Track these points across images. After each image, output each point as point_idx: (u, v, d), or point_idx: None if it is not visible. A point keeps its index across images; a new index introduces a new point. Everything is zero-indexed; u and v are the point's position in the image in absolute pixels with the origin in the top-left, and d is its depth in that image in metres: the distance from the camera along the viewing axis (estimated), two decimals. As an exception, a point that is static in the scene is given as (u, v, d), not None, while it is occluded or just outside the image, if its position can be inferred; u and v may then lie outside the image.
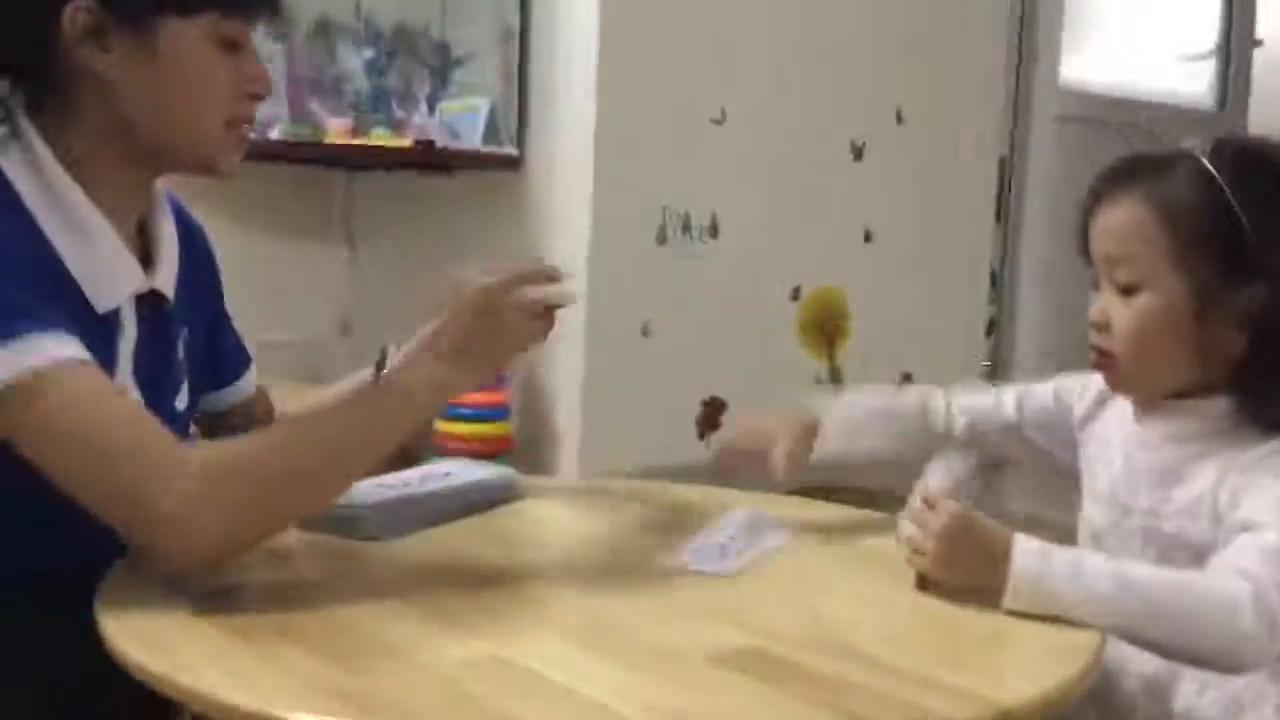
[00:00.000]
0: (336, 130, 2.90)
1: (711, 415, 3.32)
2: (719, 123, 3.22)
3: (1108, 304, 1.17)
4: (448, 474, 1.39)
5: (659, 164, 3.08)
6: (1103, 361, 1.19)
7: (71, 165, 1.04)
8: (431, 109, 3.08)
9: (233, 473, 0.99)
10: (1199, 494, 1.12)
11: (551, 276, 1.21)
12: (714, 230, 3.25)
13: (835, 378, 3.75)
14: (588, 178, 2.92)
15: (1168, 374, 1.15)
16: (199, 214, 2.92)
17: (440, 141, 2.94)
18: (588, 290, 2.94)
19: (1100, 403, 1.28)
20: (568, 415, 2.98)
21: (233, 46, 1.10)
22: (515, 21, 3.00)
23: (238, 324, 1.42)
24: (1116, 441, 1.23)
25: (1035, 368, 4.29)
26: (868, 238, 3.80)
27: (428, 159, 2.87)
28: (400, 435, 1.11)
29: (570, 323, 2.94)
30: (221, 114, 1.11)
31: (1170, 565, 1.12)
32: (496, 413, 2.90)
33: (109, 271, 1.06)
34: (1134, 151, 1.25)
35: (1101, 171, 1.23)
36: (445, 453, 2.86)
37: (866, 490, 2.17)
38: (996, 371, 4.36)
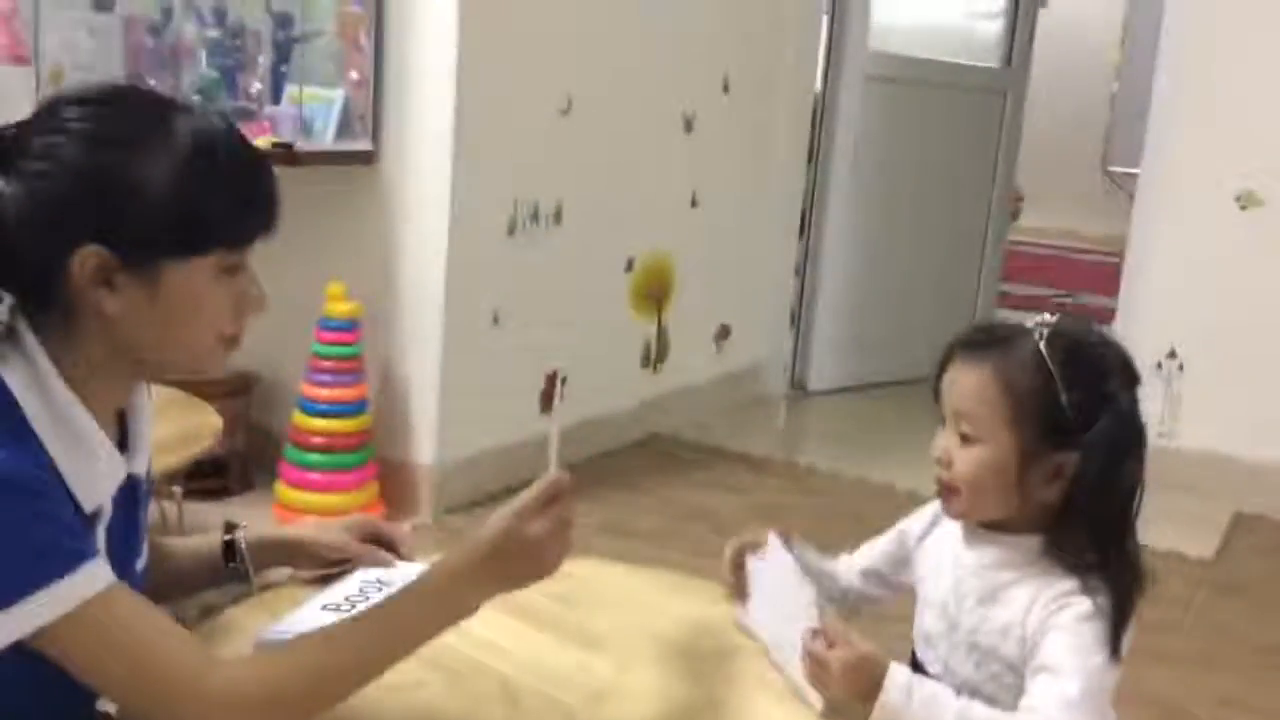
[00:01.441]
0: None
1: (553, 387, 3.52)
2: (565, 113, 3.34)
3: (950, 446, 1.42)
4: (382, 585, 1.38)
5: (510, 157, 3.18)
6: (945, 493, 1.44)
7: (70, 379, 1.09)
8: (277, 94, 3.06)
9: (261, 700, 1.07)
10: (1011, 618, 1.39)
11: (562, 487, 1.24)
12: (558, 217, 3.39)
13: (661, 338, 4.01)
14: (445, 173, 3.01)
15: (995, 509, 1.41)
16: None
17: (291, 135, 2.96)
18: (444, 282, 3.06)
19: (935, 522, 1.54)
20: (423, 405, 3.13)
21: (233, 270, 1.14)
22: (366, 9, 2.99)
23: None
24: (948, 560, 1.49)
25: (837, 306, 4.67)
26: (694, 203, 4.02)
27: (283, 160, 2.88)
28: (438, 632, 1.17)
29: (425, 314, 3.08)
30: (217, 334, 1.15)
31: (989, 673, 1.41)
32: (355, 407, 3.01)
33: (98, 476, 1.12)
34: (984, 321, 1.48)
35: (959, 335, 1.44)
36: (307, 448, 2.97)
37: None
38: (803, 310, 4.72)
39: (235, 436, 3.17)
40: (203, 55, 3.07)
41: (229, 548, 1.39)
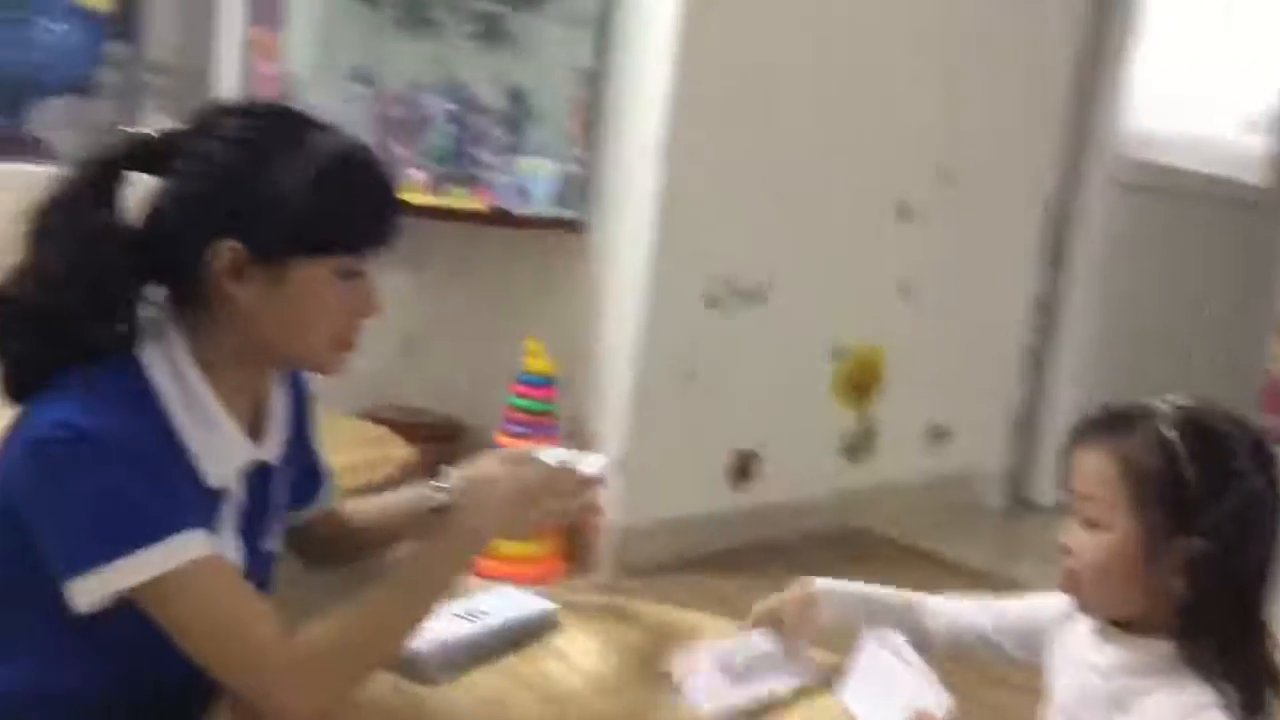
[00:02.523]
0: (415, 185, 3.10)
1: (745, 465, 3.53)
2: (776, 194, 3.39)
3: (1074, 533, 1.35)
4: (489, 611, 1.47)
5: (717, 233, 3.26)
6: (1068, 583, 1.37)
7: (203, 363, 1.19)
8: (506, 164, 3.26)
9: (328, 653, 1.17)
10: None
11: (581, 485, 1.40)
12: (762, 295, 3.43)
13: (866, 430, 3.94)
14: (647, 243, 3.11)
15: (1120, 603, 1.32)
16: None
17: (510, 203, 3.14)
18: (638, 347, 3.14)
19: (1068, 616, 1.46)
20: (612, 461, 3.18)
21: (353, 275, 1.21)
22: (585, 92, 3.17)
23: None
24: (1076, 659, 1.40)
25: (1070, 418, 4.44)
26: (907, 293, 3.96)
27: (499, 222, 3.08)
28: (462, 573, 1.30)
29: (618, 377, 3.16)
30: (333, 335, 1.23)
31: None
32: (545, 460, 3.11)
33: (224, 454, 1.21)
34: (1109, 403, 1.41)
35: (1082, 418, 1.37)
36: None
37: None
38: (1029, 417, 4.51)
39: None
40: (440, 125, 3.32)
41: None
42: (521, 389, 3.11)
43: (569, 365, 3.20)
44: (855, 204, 3.66)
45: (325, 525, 1.51)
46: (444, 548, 1.29)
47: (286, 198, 1.15)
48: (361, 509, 1.56)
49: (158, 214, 1.19)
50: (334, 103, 3.24)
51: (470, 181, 3.19)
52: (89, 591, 1.11)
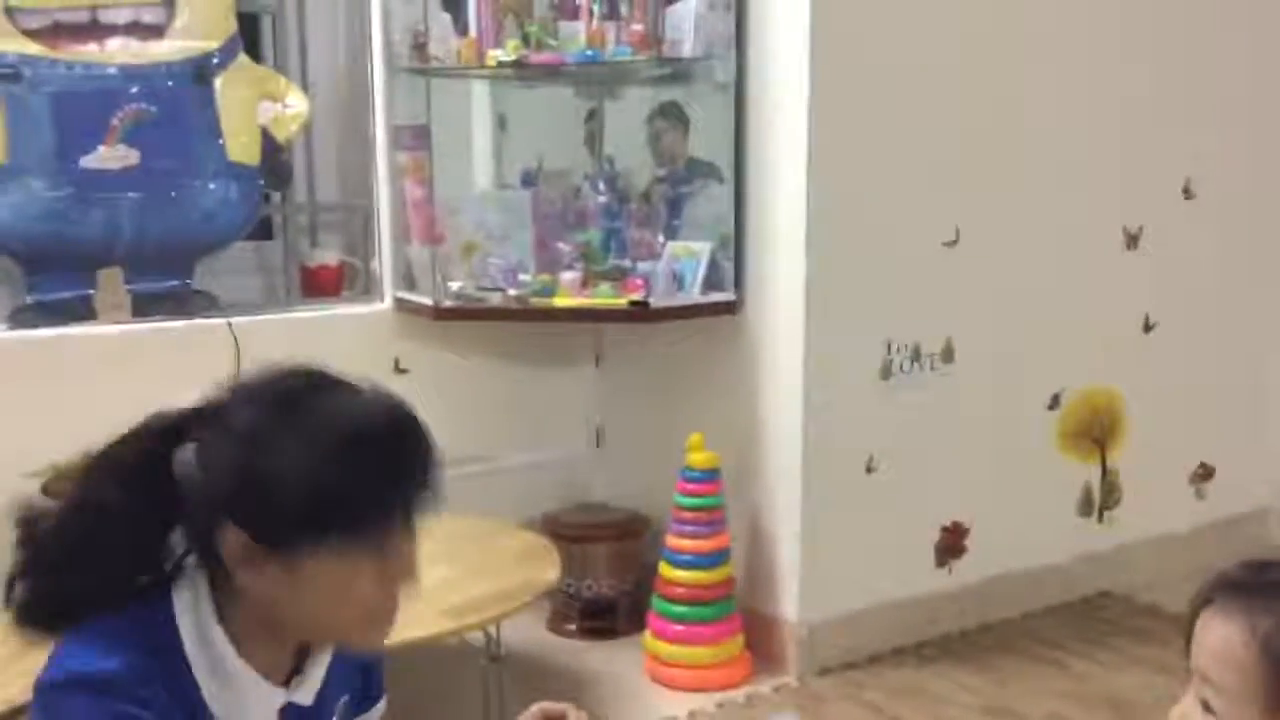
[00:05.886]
0: (566, 287, 3.08)
1: (954, 541, 3.23)
2: (951, 244, 3.10)
3: (1189, 713, 1.10)
4: None
5: (881, 297, 3.01)
6: None
7: (231, 629, 1.15)
8: (662, 246, 3.18)
9: None
10: None
11: None
12: (948, 356, 3.14)
13: (1108, 483, 3.52)
14: (800, 318, 2.92)
15: None
16: (460, 357, 2.95)
17: (663, 288, 3.05)
18: (801, 429, 2.95)
19: None
20: (788, 557, 3.02)
21: (383, 550, 1.14)
22: (728, 166, 3.04)
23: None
24: None
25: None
26: (1147, 328, 3.52)
27: (644, 318, 2.99)
28: None
29: (786, 463, 2.98)
30: (365, 615, 1.16)
31: None
32: (715, 558, 2.98)
33: (240, 707, 1.17)
34: (1261, 557, 1.13)
35: (1221, 573, 1.09)
36: (670, 598, 2.99)
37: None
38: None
39: (624, 578, 3.28)
40: (598, 219, 3.29)
41: None
42: (686, 485, 2.99)
43: (737, 455, 3.06)
44: (1060, 236, 3.28)
45: None
46: None
47: (284, 488, 1.08)
48: None
49: (182, 484, 1.15)
50: (481, 215, 3.30)
51: (619, 275, 3.12)
52: None
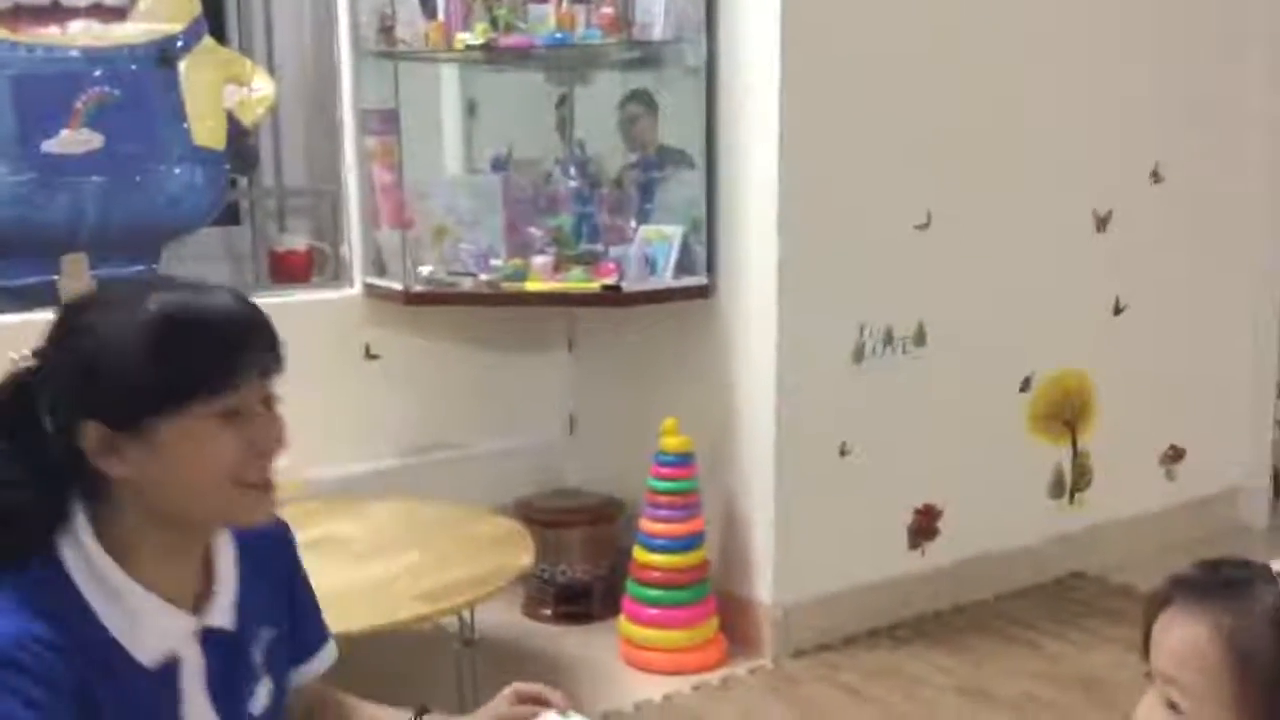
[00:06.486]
0: (538, 272, 3.06)
1: (926, 523, 3.24)
2: (923, 227, 3.10)
3: (1153, 714, 1.07)
4: None
5: (853, 280, 3.01)
6: None
7: (117, 549, 1.18)
8: (634, 230, 3.16)
9: None
10: None
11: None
12: (920, 339, 3.14)
13: (1079, 465, 3.54)
14: (772, 301, 2.91)
15: None
16: (431, 343, 2.97)
17: (635, 272, 3.04)
18: (775, 413, 2.95)
19: None
20: (762, 541, 3.02)
21: (235, 414, 1.17)
22: (700, 150, 3.03)
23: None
24: None
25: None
26: (1117, 311, 3.54)
27: (616, 302, 2.98)
28: None
29: (760, 447, 2.98)
30: (231, 480, 1.19)
31: None
32: (689, 542, 2.98)
33: (149, 633, 1.19)
34: (1218, 557, 1.13)
35: (1176, 574, 1.08)
36: (645, 582, 2.99)
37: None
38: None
39: (598, 563, 3.28)
40: (568, 204, 3.28)
41: None
42: (660, 470, 2.99)
43: (710, 440, 3.05)
44: (1030, 219, 3.29)
45: (308, 700, 1.46)
46: None
47: (123, 368, 1.14)
48: (354, 713, 1.49)
49: (35, 398, 1.19)
50: (453, 199, 3.27)
51: (591, 259, 3.11)
52: None
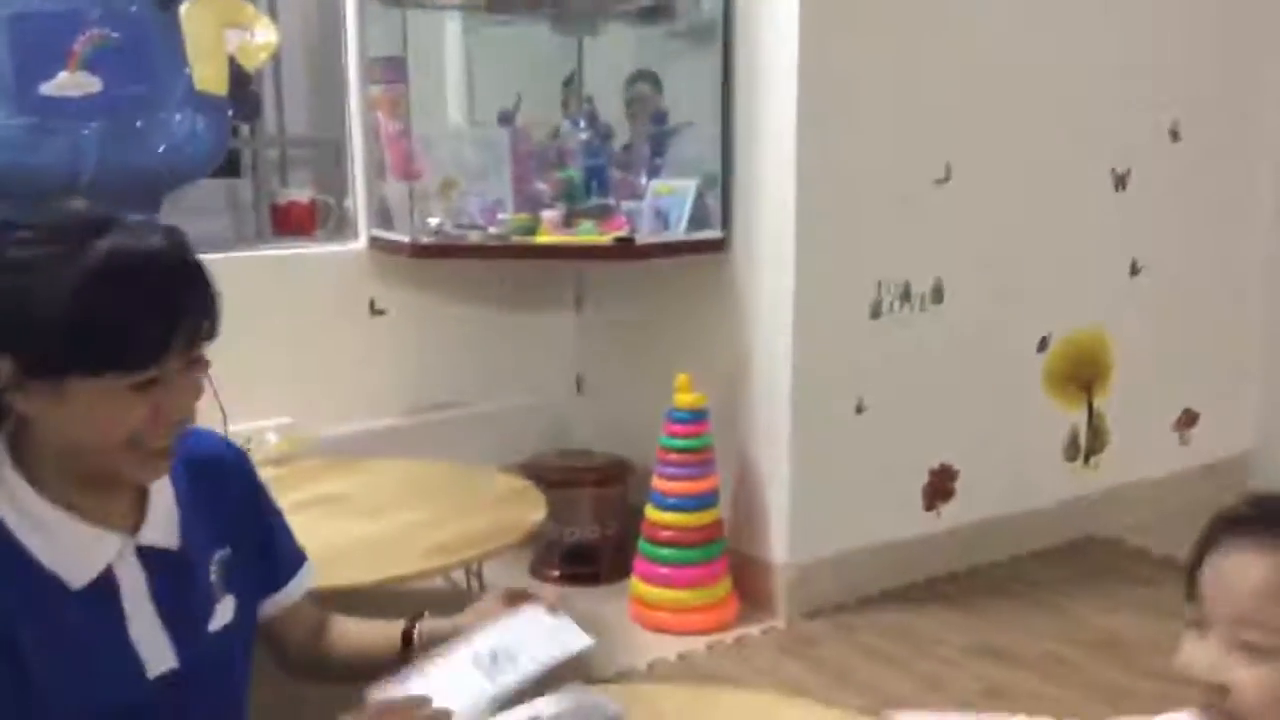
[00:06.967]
0: (547, 225, 2.99)
1: (942, 484, 3.19)
2: (942, 182, 3.03)
3: (1224, 663, 1.01)
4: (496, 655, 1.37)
5: (871, 236, 2.95)
6: None
7: (37, 479, 1.19)
8: (645, 186, 3.09)
9: None
10: None
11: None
12: (937, 296, 3.08)
13: (1095, 427, 3.48)
14: (789, 260, 2.85)
15: None
16: (437, 298, 2.91)
17: (648, 227, 2.98)
18: (792, 371, 2.89)
19: None
20: (776, 499, 2.96)
21: (152, 383, 1.16)
22: (717, 103, 2.95)
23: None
24: None
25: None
26: (1134, 271, 3.48)
27: (628, 254, 2.91)
28: None
29: (775, 404, 2.92)
30: (128, 443, 1.18)
31: None
32: (703, 500, 2.92)
33: (73, 555, 1.20)
34: (1265, 492, 1.07)
35: (1232, 509, 1.04)
36: (657, 541, 2.93)
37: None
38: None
39: (607, 524, 3.21)
40: (578, 157, 3.20)
41: (406, 637, 1.42)
42: (673, 427, 2.92)
43: (724, 397, 2.99)
44: (1049, 177, 3.23)
45: (301, 626, 1.45)
46: None
47: (47, 316, 1.12)
48: (349, 631, 1.49)
49: None
50: (459, 151, 3.20)
51: (602, 214, 3.03)
52: None
